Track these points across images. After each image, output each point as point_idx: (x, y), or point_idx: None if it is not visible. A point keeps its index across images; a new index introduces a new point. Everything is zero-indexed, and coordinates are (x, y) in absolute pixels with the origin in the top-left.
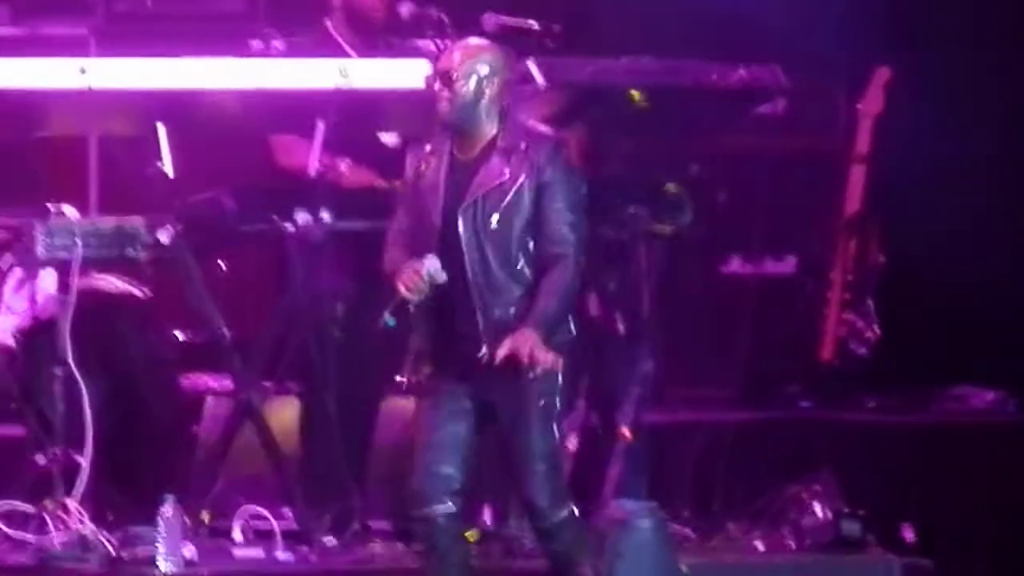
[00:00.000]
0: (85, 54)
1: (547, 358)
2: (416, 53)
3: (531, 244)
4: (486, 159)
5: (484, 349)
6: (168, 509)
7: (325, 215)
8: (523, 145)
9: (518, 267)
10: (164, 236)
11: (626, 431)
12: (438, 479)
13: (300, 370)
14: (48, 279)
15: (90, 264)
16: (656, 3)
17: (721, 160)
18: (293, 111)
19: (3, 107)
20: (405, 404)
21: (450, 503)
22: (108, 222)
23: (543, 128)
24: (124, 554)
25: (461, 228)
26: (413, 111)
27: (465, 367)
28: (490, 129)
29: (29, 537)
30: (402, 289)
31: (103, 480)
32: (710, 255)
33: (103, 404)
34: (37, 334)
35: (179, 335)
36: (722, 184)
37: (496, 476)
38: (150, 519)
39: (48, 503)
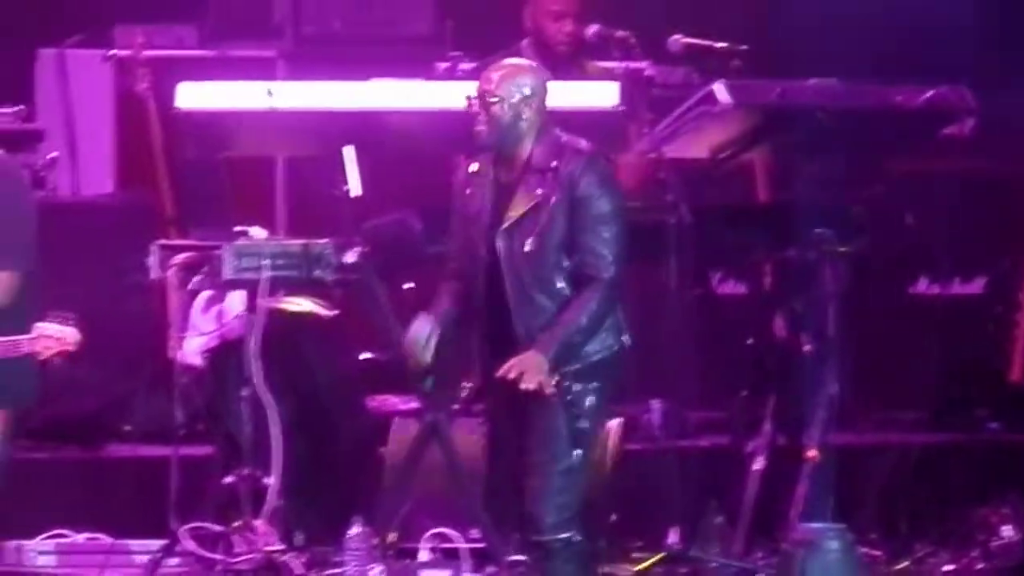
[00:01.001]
0: (273, 76)
1: (536, 383)
2: (604, 74)
3: (566, 262)
4: (523, 180)
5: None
6: (356, 530)
7: None
8: (555, 163)
9: (556, 287)
10: (351, 257)
11: (813, 452)
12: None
13: (486, 390)
14: (236, 300)
15: (277, 285)
16: (843, 24)
17: (908, 181)
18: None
19: (192, 128)
20: None
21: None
22: (295, 243)
23: (580, 143)
24: (311, 575)
25: (500, 252)
26: (601, 131)
27: (513, 392)
28: (529, 149)
29: (217, 557)
30: (410, 363)
31: (290, 500)
32: (897, 276)
33: (290, 425)
34: (225, 355)
35: (366, 356)
36: (909, 205)
37: (684, 499)
38: (337, 540)
39: (236, 523)
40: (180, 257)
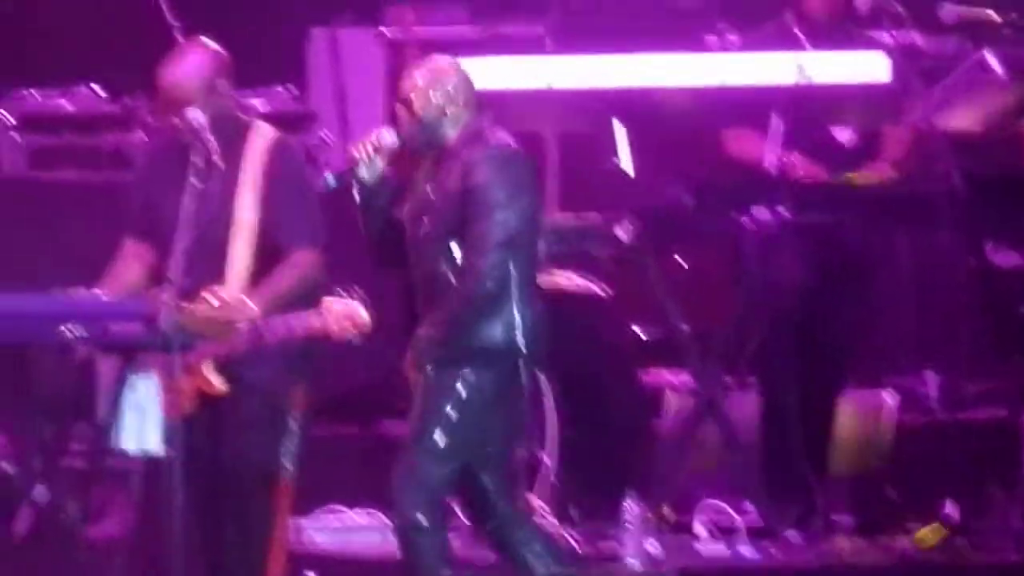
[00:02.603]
0: (542, 53)
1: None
2: (874, 45)
3: (455, 247)
4: (438, 166)
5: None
6: (631, 505)
7: (782, 209)
8: (464, 152)
9: (440, 270)
10: (623, 233)
11: None
12: None
13: (759, 364)
14: None
15: (550, 261)
16: None
17: None
18: (749, 106)
19: None
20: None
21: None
22: (567, 219)
23: (494, 136)
24: (588, 550)
25: (408, 236)
26: (869, 105)
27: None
28: (452, 140)
29: None
30: (352, 152)
31: (565, 476)
32: None
33: (564, 400)
34: None
35: (638, 331)
36: None
37: (961, 471)
38: (613, 515)
39: None
40: None
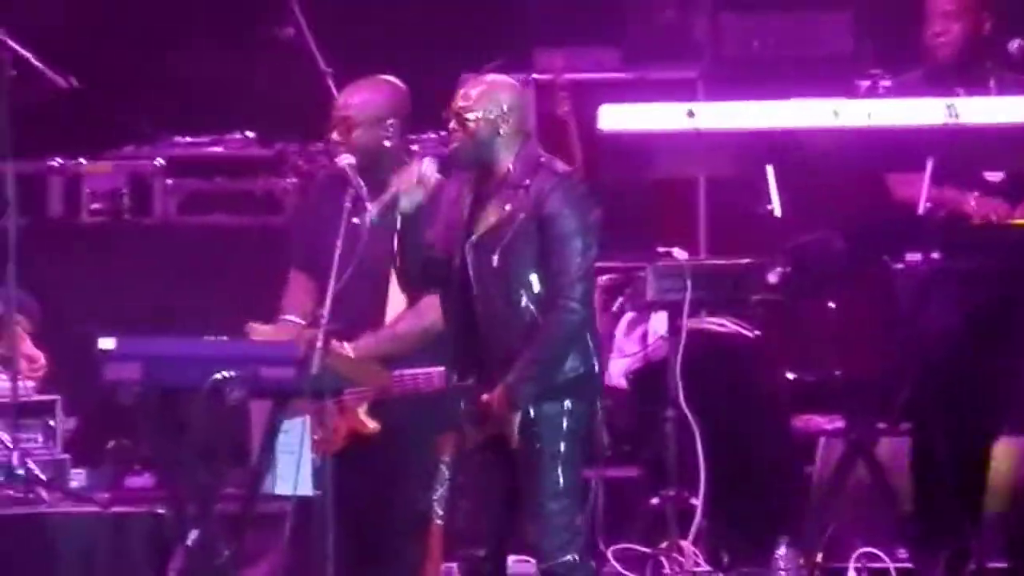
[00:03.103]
0: (693, 97)
1: (495, 416)
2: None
3: (535, 279)
4: (497, 194)
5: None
6: (782, 550)
7: (934, 253)
8: (528, 180)
9: (521, 304)
10: (773, 277)
11: None
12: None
13: (911, 408)
14: (659, 321)
15: (700, 305)
16: None
17: None
18: (901, 149)
19: (613, 150)
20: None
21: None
22: (718, 263)
23: (556, 164)
24: None
25: (469, 265)
26: (1019, 146)
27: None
28: (507, 164)
29: None
30: (396, 183)
31: (717, 521)
32: None
33: (715, 445)
34: (649, 376)
35: (790, 376)
36: None
37: None
38: (764, 561)
39: (662, 544)
40: (603, 279)
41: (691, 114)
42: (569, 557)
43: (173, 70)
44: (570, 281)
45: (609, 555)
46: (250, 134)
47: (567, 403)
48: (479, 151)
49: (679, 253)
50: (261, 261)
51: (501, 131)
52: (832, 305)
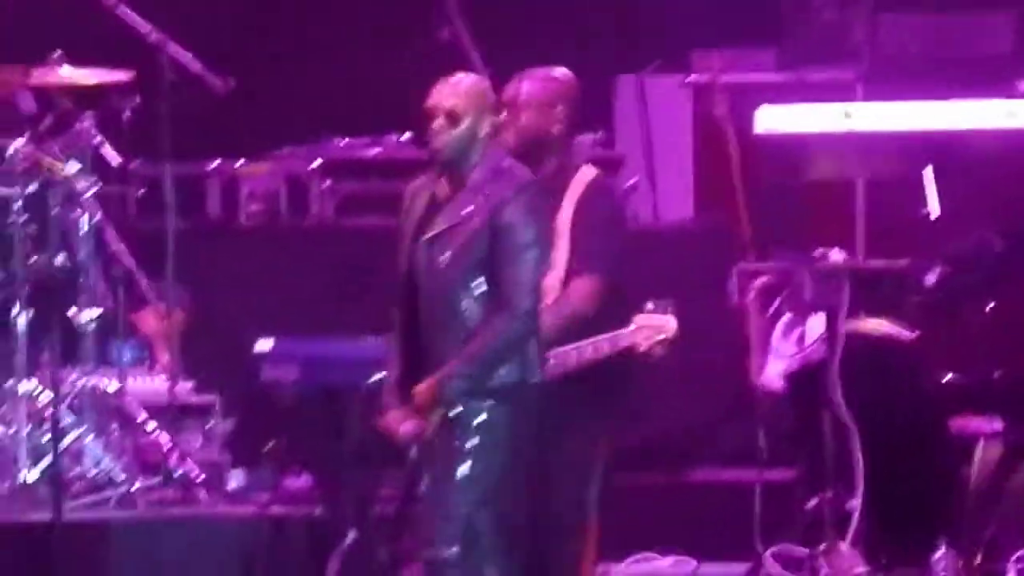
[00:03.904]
0: (851, 98)
1: (419, 407)
2: None
3: (480, 284)
4: (456, 197)
5: None
6: (941, 552)
7: None
8: (488, 185)
9: (462, 308)
10: (932, 278)
11: None
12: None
13: None
14: (816, 323)
15: (857, 307)
16: None
17: None
18: None
19: (771, 152)
20: None
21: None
22: (875, 265)
23: (519, 170)
24: None
25: (419, 264)
26: None
27: None
28: (471, 168)
29: None
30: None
31: (875, 523)
32: None
33: (873, 447)
34: (806, 378)
35: (948, 377)
36: None
37: None
38: (922, 563)
39: (821, 546)
40: (760, 281)
41: (848, 115)
42: (456, 549)
43: (330, 72)
44: (523, 291)
45: (767, 557)
46: (407, 135)
47: (495, 407)
48: (459, 152)
49: (837, 255)
50: None
51: (479, 135)
52: (991, 306)
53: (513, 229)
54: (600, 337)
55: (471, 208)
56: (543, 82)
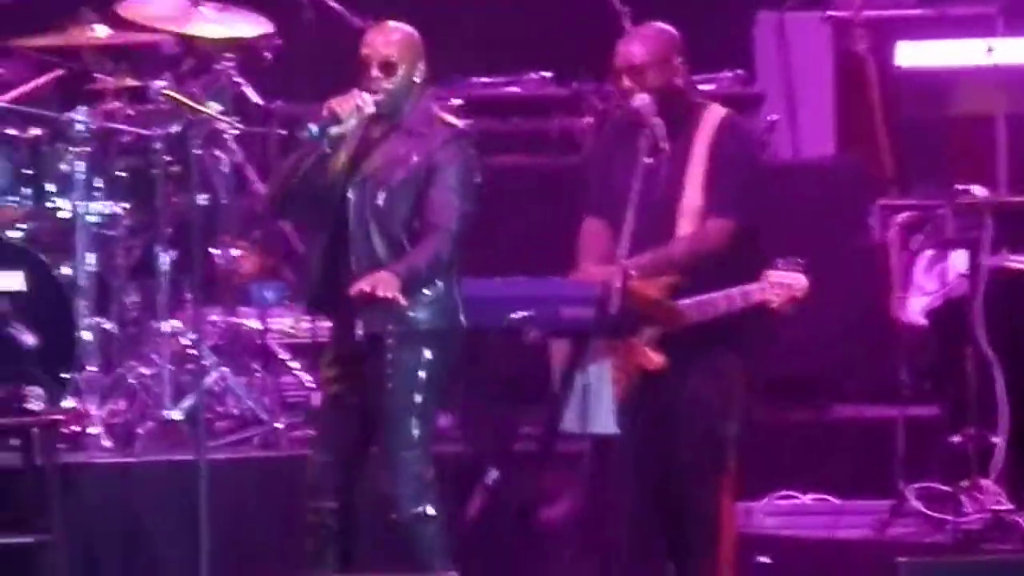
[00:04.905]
0: (992, 33)
1: (392, 293)
2: None
3: (415, 226)
4: (388, 139)
5: (360, 327)
6: None
7: None
8: (424, 129)
9: (401, 243)
10: None
11: None
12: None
13: None
14: (958, 259)
15: (1000, 243)
16: None
17: None
18: None
19: (911, 87)
20: None
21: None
22: (1017, 200)
23: (450, 118)
24: None
25: (350, 203)
26: None
27: (347, 344)
28: (404, 113)
29: (946, 517)
30: (334, 107)
31: (1018, 459)
32: None
33: (1017, 382)
34: (948, 314)
35: None
36: None
37: None
38: None
39: (963, 483)
40: (901, 217)
41: (990, 50)
42: (421, 509)
43: (469, 10)
44: (454, 216)
45: (909, 493)
46: (547, 74)
47: (426, 353)
48: (395, 103)
49: (978, 190)
50: (558, 201)
51: (414, 84)
52: None
53: (445, 170)
54: (732, 290)
55: (405, 149)
56: (654, 41)
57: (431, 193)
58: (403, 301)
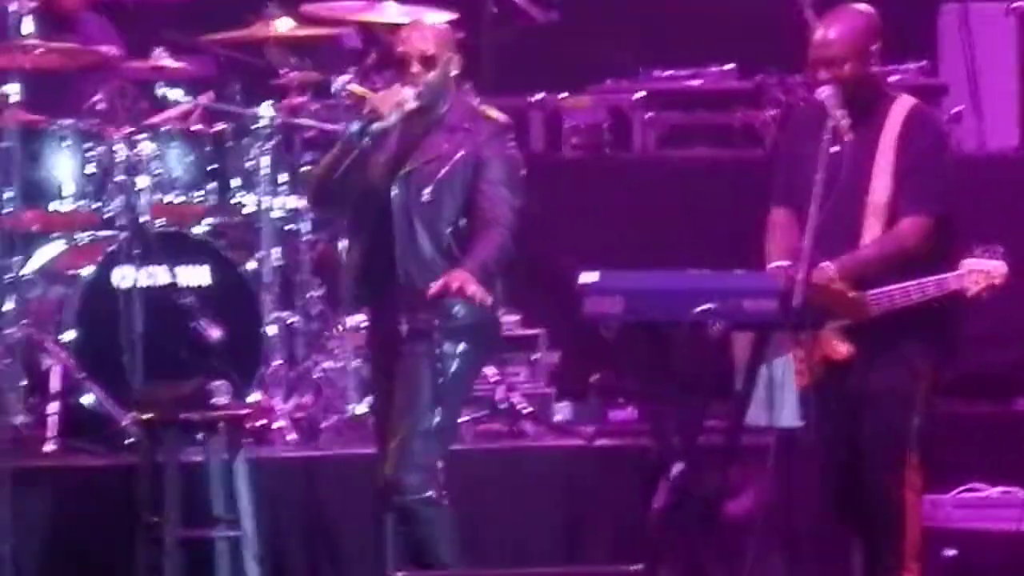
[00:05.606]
0: None
1: (478, 291)
2: None
3: (462, 222)
4: (431, 134)
5: (404, 323)
6: None
7: None
8: (467, 124)
9: (445, 241)
10: None
11: None
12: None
13: None
14: None
15: None
16: None
17: None
18: None
19: None
20: None
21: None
22: None
23: (493, 112)
24: None
25: (394, 199)
26: None
27: (386, 338)
28: (444, 108)
29: None
30: (376, 103)
31: None
32: None
33: None
34: None
35: None
36: None
37: None
38: None
39: None
40: None
41: None
42: (430, 493)
43: (652, 3)
44: (509, 215)
45: None
46: (729, 66)
47: (462, 346)
48: (435, 98)
49: None
50: (741, 194)
51: (450, 74)
52: None
53: (495, 164)
54: (927, 279)
55: (450, 144)
56: (853, 31)
57: (481, 187)
58: (488, 300)
